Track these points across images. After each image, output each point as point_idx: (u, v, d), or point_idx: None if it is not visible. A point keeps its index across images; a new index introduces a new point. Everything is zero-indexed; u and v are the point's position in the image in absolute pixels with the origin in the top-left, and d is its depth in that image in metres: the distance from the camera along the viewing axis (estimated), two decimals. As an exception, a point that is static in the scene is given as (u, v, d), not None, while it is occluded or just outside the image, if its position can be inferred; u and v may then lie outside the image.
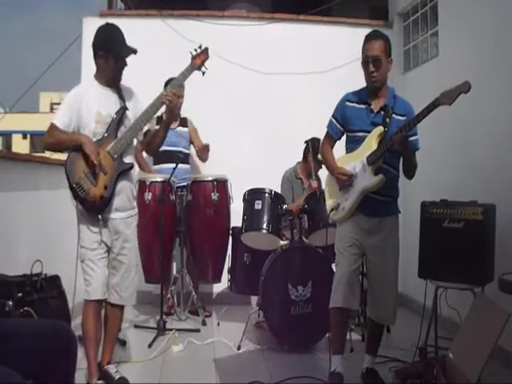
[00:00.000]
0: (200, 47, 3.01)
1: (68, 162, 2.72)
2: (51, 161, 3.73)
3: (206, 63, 3.00)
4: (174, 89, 2.89)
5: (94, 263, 2.76)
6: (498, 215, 3.08)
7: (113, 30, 2.81)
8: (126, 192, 2.84)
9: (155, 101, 2.85)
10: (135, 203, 2.97)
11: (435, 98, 2.53)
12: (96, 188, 2.71)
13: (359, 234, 2.87)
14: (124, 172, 2.81)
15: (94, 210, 2.75)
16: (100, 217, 2.78)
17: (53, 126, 2.74)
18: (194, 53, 2.99)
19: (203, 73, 3.00)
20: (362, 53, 2.85)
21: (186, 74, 2.93)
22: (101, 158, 2.70)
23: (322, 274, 3.47)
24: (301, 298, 3.57)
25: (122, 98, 2.85)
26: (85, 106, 2.75)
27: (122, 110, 2.82)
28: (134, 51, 2.79)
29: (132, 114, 2.85)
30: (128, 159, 2.85)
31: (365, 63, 2.82)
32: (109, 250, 2.84)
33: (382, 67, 2.80)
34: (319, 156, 4.16)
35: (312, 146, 4.28)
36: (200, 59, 2.98)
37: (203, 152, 4.52)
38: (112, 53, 2.76)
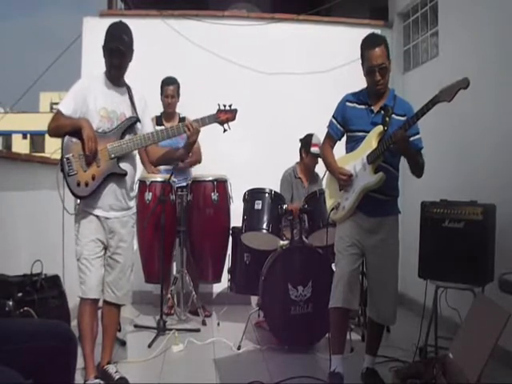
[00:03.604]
0: (230, 106, 2.94)
1: (66, 139, 2.72)
2: (51, 161, 3.72)
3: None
4: (198, 123, 2.85)
5: (89, 262, 2.77)
6: (498, 215, 3.08)
7: (113, 26, 2.81)
8: (121, 192, 2.83)
9: (181, 125, 2.87)
10: (132, 203, 2.96)
11: (434, 95, 2.53)
12: (84, 173, 2.70)
13: (359, 233, 2.87)
14: (116, 175, 2.78)
15: (76, 192, 2.73)
16: (79, 203, 2.78)
17: (58, 112, 2.76)
18: (222, 107, 2.93)
19: (224, 130, 2.94)
20: (364, 61, 2.82)
21: (206, 121, 2.88)
22: (99, 150, 2.70)
23: (322, 274, 3.47)
24: (301, 298, 3.56)
25: (132, 102, 2.85)
26: (92, 98, 2.76)
27: (134, 120, 2.83)
28: (117, 47, 2.72)
29: (139, 115, 2.86)
30: (124, 166, 2.80)
31: (370, 72, 2.79)
32: (105, 249, 2.85)
33: (387, 73, 2.80)
34: (312, 149, 4.21)
35: (304, 141, 4.30)
36: (226, 116, 2.91)
37: (195, 156, 4.54)
38: (104, 46, 2.78)
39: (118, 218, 2.85)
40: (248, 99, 4.94)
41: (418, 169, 2.85)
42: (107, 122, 2.78)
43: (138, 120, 2.85)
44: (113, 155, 2.74)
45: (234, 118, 2.94)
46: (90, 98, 2.76)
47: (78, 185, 2.71)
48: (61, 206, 2.84)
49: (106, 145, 2.73)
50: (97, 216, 2.79)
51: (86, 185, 2.71)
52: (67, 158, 2.70)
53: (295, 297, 3.57)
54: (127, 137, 2.80)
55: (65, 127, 2.72)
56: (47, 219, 3.54)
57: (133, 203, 2.98)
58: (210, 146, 4.66)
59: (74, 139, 2.69)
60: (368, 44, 2.81)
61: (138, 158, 3.12)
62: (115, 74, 2.83)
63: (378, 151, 2.74)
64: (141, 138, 2.79)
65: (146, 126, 2.93)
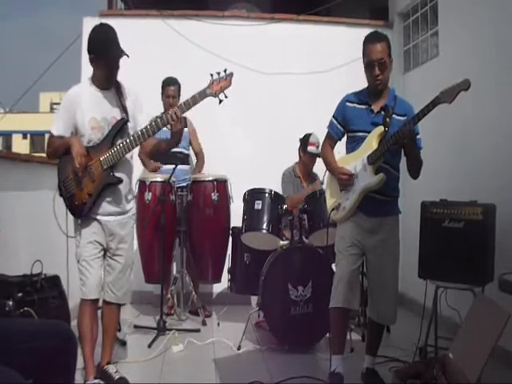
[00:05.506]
0: (225, 71, 2.66)
1: (61, 162, 2.78)
2: (51, 161, 3.72)
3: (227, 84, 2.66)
4: (181, 111, 2.67)
5: (88, 264, 2.78)
6: (498, 215, 3.08)
7: (102, 31, 2.75)
8: (117, 200, 2.82)
9: (156, 120, 2.68)
10: (131, 205, 2.96)
11: (435, 96, 2.53)
12: (80, 192, 2.73)
13: (360, 233, 2.87)
14: (112, 185, 2.77)
15: (75, 212, 2.78)
16: (80, 222, 2.79)
17: (50, 135, 2.80)
18: (216, 77, 2.65)
19: (220, 101, 2.66)
20: (365, 56, 2.83)
21: (197, 97, 2.65)
22: (91, 164, 2.70)
23: (322, 274, 3.47)
24: (301, 298, 3.56)
25: (121, 102, 2.81)
26: (80, 111, 2.74)
27: (122, 123, 2.78)
28: (123, 54, 2.69)
29: (130, 114, 2.82)
30: (118, 174, 2.78)
31: (369, 67, 2.80)
32: (105, 250, 2.85)
33: (386, 69, 2.80)
34: (308, 148, 4.22)
35: (303, 140, 4.31)
36: (219, 85, 2.64)
37: (201, 160, 4.61)
38: (100, 55, 2.72)
39: (118, 221, 2.86)
40: (248, 99, 4.96)
41: (416, 169, 2.86)
42: (98, 131, 2.75)
43: (127, 121, 2.80)
44: (105, 166, 2.72)
45: (229, 84, 2.65)
46: (78, 111, 2.74)
47: (77, 205, 2.75)
48: (61, 206, 2.85)
49: (99, 158, 2.72)
50: (97, 219, 2.80)
51: (84, 203, 2.74)
52: (63, 182, 2.74)
53: (295, 297, 3.56)
54: (119, 141, 2.75)
55: (59, 148, 2.77)
56: (47, 219, 3.54)
57: (131, 205, 2.98)
58: (209, 146, 4.67)
59: (68, 156, 2.70)
60: (369, 39, 2.83)
61: (136, 160, 3.10)
62: (114, 78, 2.81)
63: (379, 152, 2.74)
64: (130, 141, 2.71)
65: (139, 124, 2.83)
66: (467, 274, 3.00)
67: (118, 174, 2.78)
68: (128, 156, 2.84)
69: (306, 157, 4.29)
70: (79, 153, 2.66)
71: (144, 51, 4.46)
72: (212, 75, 2.66)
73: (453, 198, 3.21)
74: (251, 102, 4.96)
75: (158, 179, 4.10)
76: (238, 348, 3.56)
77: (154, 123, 2.70)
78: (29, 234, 3.36)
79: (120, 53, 2.70)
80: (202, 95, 2.65)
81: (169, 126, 2.78)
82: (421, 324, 3.19)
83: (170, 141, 2.90)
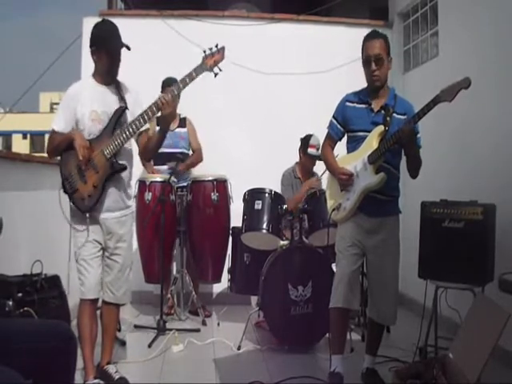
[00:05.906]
0: (216, 46, 2.73)
1: (62, 160, 2.77)
2: (51, 161, 3.72)
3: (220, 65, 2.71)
4: (172, 93, 2.68)
5: (87, 263, 2.78)
6: (498, 215, 3.08)
7: (103, 26, 2.79)
8: (118, 192, 2.82)
9: (153, 103, 2.69)
10: (130, 202, 2.96)
11: (436, 95, 2.54)
12: (85, 185, 2.72)
13: (360, 233, 2.87)
14: (116, 173, 2.77)
15: (82, 207, 2.76)
16: (88, 216, 2.77)
17: (52, 132, 2.79)
18: (208, 52, 2.71)
19: (215, 74, 2.72)
20: (363, 52, 2.85)
21: (194, 75, 2.66)
22: (94, 156, 2.70)
23: (322, 274, 3.47)
24: (301, 298, 3.56)
25: (121, 96, 2.82)
26: (80, 105, 2.75)
27: (121, 110, 2.78)
28: (124, 45, 2.72)
29: (130, 110, 2.82)
30: (121, 162, 2.78)
31: (366, 62, 2.82)
32: (103, 249, 2.85)
33: (383, 66, 2.80)
34: (308, 150, 4.22)
35: (303, 141, 4.31)
36: (213, 59, 2.70)
37: (196, 156, 4.56)
38: (101, 47, 2.74)
39: (117, 218, 2.85)
40: (248, 99, 4.96)
41: (415, 168, 2.86)
42: (98, 124, 2.76)
43: (126, 108, 2.78)
44: (108, 155, 2.72)
45: (223, 58, 2.73)
46: (78, 106, 2.75)
47: (83, 199, 2.73)
48: (64, 203, 2.84)
49: (101, 148, 2.71)
50: (93, 217, 2.79)
51: (90, 196, 2.73)
52: (66, 178, 2.73)
53: (295, 297, 3.56)
54: (119, 130, 2.74)
55: (60, 144, 2.75)
56: (47, 219, 3.54)
57: (131, 202, 2.98)
58: (209, 146, 4.66)
59: (70, 151, 2.70)
60: (368, 37, 2.86)
61: (137, 159, 3.09)
62: (115, 71, 2.82)
63: (379, 151, 2.74)
64: (127, 129, 2.70)
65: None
66: (467, 274, 3.00)
67: (121, 162, 2.78)
68: (128, 146, 2.84)
69: (306, 158, 4.29)
70: (81, 145, 2.66)
71: (144, 51, 4.46)
72: (205, 51, 2.71)
73: (453, 197, 3.21)
74: (250, 101, 4.96)
75: (158, 179, 4.10)
76: (238, 348, 3.56)
77: (149, 107, 2.69)
78: (29, 234, 3.35)
79: (121, 43, 2.72)
80: (197, 71, 2.68)
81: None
82: (421, 324, 3.19)
83: (160, 130, 2.83)
